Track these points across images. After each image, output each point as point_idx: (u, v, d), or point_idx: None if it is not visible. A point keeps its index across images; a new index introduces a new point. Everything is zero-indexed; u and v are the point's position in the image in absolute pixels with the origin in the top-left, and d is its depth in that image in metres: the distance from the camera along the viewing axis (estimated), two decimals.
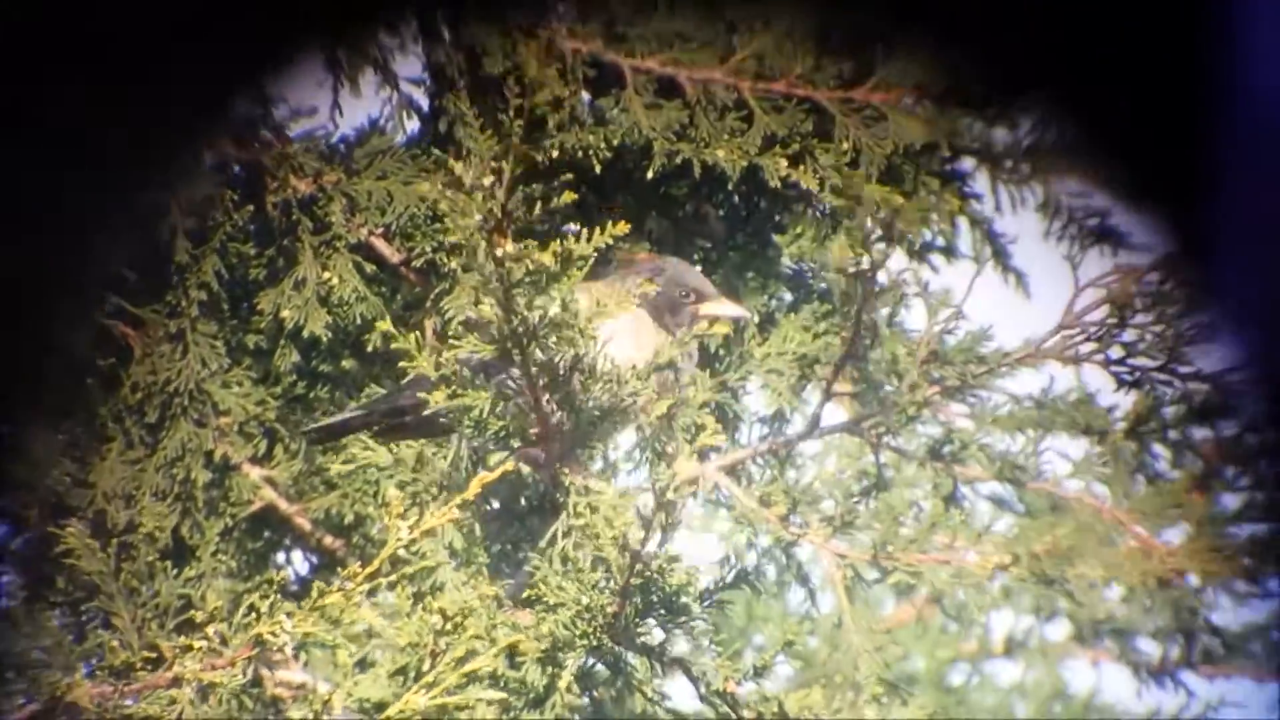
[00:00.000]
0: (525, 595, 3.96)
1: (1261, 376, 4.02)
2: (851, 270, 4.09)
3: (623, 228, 3.78)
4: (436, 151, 4.08)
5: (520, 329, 3.80)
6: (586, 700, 3.99)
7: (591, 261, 3.79)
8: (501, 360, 3.87)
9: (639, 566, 3.88)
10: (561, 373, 3.88)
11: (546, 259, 3.74)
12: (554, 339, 3.84)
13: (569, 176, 3.83)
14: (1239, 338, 4.03)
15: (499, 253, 3.72)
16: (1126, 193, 4.18)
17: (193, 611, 3.84)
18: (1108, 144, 4.04)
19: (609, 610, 3.92)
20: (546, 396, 3.90)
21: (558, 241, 3.75)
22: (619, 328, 3.92)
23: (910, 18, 4.19)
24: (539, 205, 3.74)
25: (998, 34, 4.00)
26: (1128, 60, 3.85)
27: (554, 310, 3.79)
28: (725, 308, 4.19)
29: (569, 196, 3.77)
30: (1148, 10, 3.84)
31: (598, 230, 3.77)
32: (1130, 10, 3.87)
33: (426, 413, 3.98)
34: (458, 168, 3.74)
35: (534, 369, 3.86)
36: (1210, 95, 3.75)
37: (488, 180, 3.70)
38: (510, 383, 3.91)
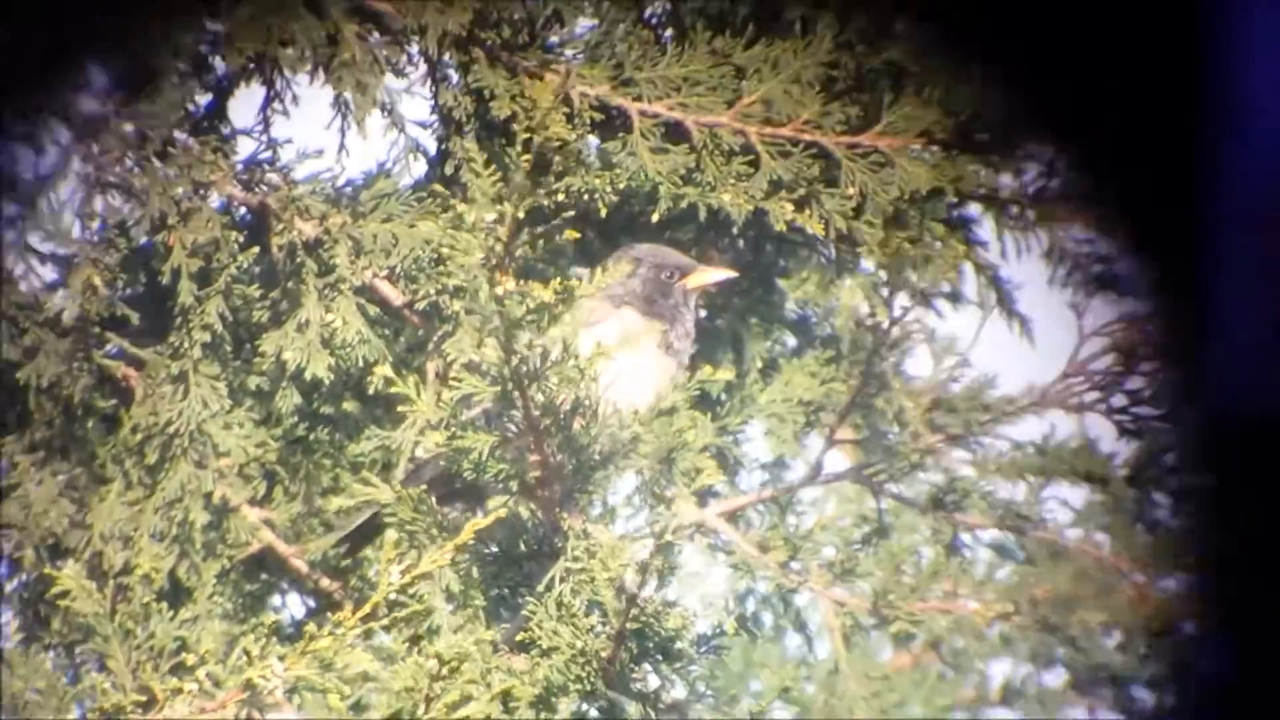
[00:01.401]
0: (519, 639, 3.93)
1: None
2: (869, 322, 4.08)
3: (624, 267, 3.77)
4: (439, 188, 4.06)
5: (522, 368, 3.78)
6: None
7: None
8: (502, 402, 3.85)
9: (634, 611, 3.86)
10: (562, 416, 3.86)
11: (547, 295, 3.72)
12: (555, 379, 3.82)
13: (570, 214, 3.82)
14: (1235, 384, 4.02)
15: (499, 290, 3.71)
16: (1127, 241, 4.17)
17: (185, 654, 3.82)
18: (1108, 191, 4.04)
19: (604, 655, 3.90)
20: (547, 440, 3.88)
21: (558, 280, 3.74)
22: (621, 368, 3.90)
23: (916, 64, 4.18)
24: (541, 243, 3.74)
25: (1003, 80, 4.00)
26: (1130, 106, 3.85)
27: (555, 350, 3.79)
28: (712, 274, 4.20)
29: (571, 234, 3.76)
30: (1150, 54, 3.84)
31: (599, 270, 3.77)
32: (1133, 54, 3.87)
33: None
34: (460, 207, 3.73)
35: (535, 411, 3.83)
36: (1212, 136, 3.75)
37: (490, 216, 3.69)
38: (511, 425, 3.89)
